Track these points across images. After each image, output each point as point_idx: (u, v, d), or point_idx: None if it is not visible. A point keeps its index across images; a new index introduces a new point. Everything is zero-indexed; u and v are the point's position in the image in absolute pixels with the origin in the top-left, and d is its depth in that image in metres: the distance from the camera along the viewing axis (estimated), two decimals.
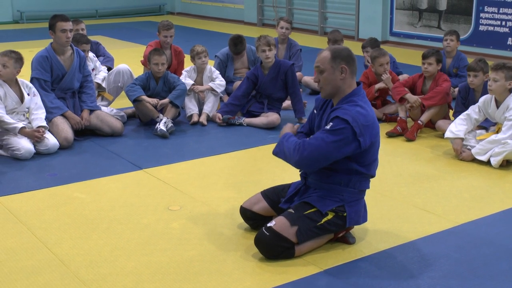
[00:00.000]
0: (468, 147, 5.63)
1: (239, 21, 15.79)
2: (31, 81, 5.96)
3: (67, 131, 5.89)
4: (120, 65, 6.92)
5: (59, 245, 3.98)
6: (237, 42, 7.47)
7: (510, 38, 10.67)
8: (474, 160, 5.53)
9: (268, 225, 3.77)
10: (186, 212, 4.49)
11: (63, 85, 6.12)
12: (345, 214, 3.85)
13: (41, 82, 5.99)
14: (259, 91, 6.71)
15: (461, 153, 5.59)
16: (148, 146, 5.99)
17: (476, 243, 4.01)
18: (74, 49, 6.20)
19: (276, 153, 3.98)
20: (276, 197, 4.12)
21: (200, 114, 6.78)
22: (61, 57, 6.08)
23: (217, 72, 7.08)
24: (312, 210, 3.80)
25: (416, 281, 3.54)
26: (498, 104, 5.52)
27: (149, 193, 4.85)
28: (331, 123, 3.67)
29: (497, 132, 5.58)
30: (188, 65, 7.47)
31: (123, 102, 7.26)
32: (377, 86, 6.82)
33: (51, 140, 5.69)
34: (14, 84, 5.70)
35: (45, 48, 6.13)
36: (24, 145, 5.53)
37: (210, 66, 7.08)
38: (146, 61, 7.36)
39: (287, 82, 6.63)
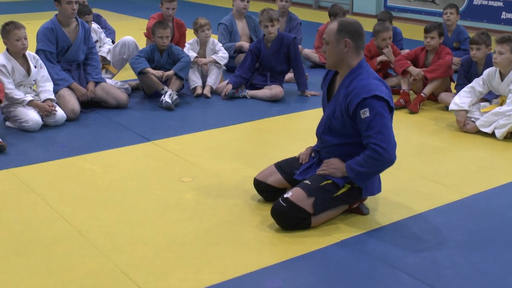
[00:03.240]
0: (472, 119, 5.69)
1: None
2: (37, 52, 5.93)
3: (74, 103, 5.88)
4: (125, 37, 6.89)
5: (75, 215, 4.01)
6: None
7: (504, 12, 10.72)
8: (478, 132, 5.59)
9: (285, 196, 3.81)
10: (198, 183, 4.53)
11: (69, 57, 6.10)
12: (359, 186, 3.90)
13: (46, 53, 5.96)
14: (262, 63, 6.72)
15: (465, 125, 5.65)
16: (154, 118, 6.01)
17: (487, 214, 4.08)
18: (79, 21, 6.17)
19: (364, 181, 3.84)
20: (289, 169, 4.16)
21: (203, 87, 6.78)
22: (66, 29, 6.06)
23: (220, 44, 7.07)
24: (328, 181, 3.85)
25: (433, 252, 3.59)
26: (502, 76, 5.56)
27: (159, 164, 4.88)
28: (366, 109, 3.66)
29: (501, 104, 5.63)
30: (190, 38, 7.46)
31: (127, 74, 7.25)
32: (379, 58, 6.86)
33: (58, 112, 5.69)
34: (22, 57, 5.67)
35: (50, 20, 6.10)
36: (32, 116, 5.53)
37: (213, 38, 7.08)
38: (150, 34, 7.34)
39: (290, 55, 6.64)
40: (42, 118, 5.62)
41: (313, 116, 6.06)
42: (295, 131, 5.72)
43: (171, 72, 6.41)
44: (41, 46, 5.96)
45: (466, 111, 5.66)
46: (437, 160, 5.04)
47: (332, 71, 4.03)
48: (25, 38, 5.60)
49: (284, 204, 3.78)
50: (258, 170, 4.59)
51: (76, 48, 6.10)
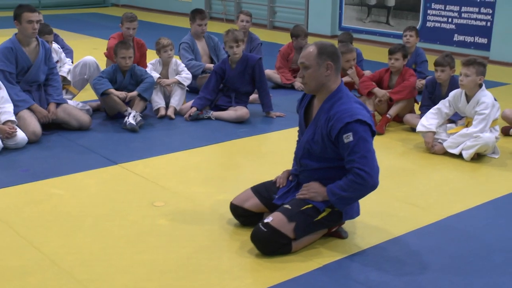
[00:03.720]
0: (439, 140, 5.74)
1: (187, 14, 15.56)
2: None
3: (35, 125, 5.70)
4: (86, 57, 6.73)
5: (47, 243, 3.84)
6: (200, 10, 7.65)
7: (456, 34, 10.93)
8: (445, 153, 5.63)
9: (265, 221, 3.74)
10: (171, 208, 4.41)
11: (29, 78, 5.92)
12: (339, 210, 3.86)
13: (6, 74, 5.77)
14: (227, 85, 6.65)
15: (433, 146, 5.69)
16: (119, 140, 5.86)
17: (465, 236, 4.09)
18: (39, 40, 5.99)
19: (345, 205, 3.80)
20: (266, 193, 4.09)
21: (167, 108, 6.68)
22: (26, 48, 5.88)
23: (183, 65, 6.99)
24: (309, 206, 3.79)
25: (417, 276, 3.57)
26: (468, 98, 5.63)
27: (129, 188, 4.75)
28: (349, 133, 3.63)
29: (467, 125, 5.70)
30: (150, 57, 7.35)
31: (86, 95, 7.09)
32: (343, 80, 6.84)
33: (19, 135, 5.50)
34: None
35: (9, 39, 5.91)
36: None
37: (176, 59, 6.99)
38: (111, 53, 7.22)
39: (255, 76, 6.60)
40: (2, 141, 5.41)
41: (281, 138, 6.06)
42: (264, 153, 5.67)
43: (134, 93, 6.29)
44: (0, 66, 5.76)
45: (434, 133, 5.71)
46: (409, 181, 5.05)
47: (308, 95, 3.98)
48: None
49: (265, 229, 3.71)
50: (231, 194, 4.52)
51: (36, 68, 5.92)
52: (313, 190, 3.83)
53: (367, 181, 3.66)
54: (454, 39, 10.92)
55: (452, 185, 4.98)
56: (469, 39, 10.74)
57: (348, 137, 3.65)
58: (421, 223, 4.26)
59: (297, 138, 4.23)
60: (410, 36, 7.81)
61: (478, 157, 5.53)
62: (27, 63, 5.88)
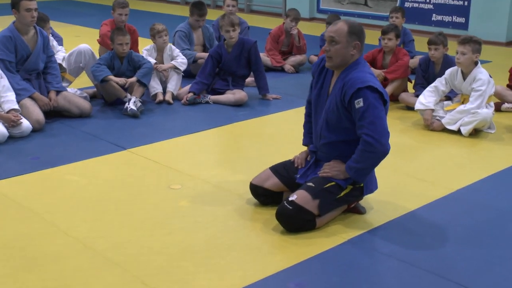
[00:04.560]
0: (437, 117, 5.89)
1: (169, 1, 15.57)
2: None
3: (38, 113, 5.70)
4: (81, 45, 6.72)
5: (74, 228, 3.89)
6: (200, 3, 7.57)
7: (434, 14, 11.12)
8: (444, 129, 5.79)
9: (290, 199, 3.84)
10: (189, 190, 4.49)
11: (28, 66, 5.91)
12: (362, 185, 3.98)
13: (5, 63, 5.75)
14: (223, 68, 6.72)
15: (431, 124, 5.84)
16: (122, 126, 5.90)
17: (478, 207, 4.25)
18: (37, 28, 5.98)
19: (364, 176, 3.90)
20: (285, 172, 4.19)
21: (164, 93, 6.72)
22: (24, 37, 5.86)
23: (177, 50, 7.03)
24: (332, 183, 3.90)
25: (439, 247, 3.71)
26: (464, 76, 5.79)
27: (143, 172, 4.81)
28: (360, 99, 3.74)
29: (463, 102, 5.86)
30: (142, 44, 7.37)
31: (81, 82, 7.08)
32: None
33: (24, 123, 5.50)
34: None
35: (7, 28, 5.88)
36: None
37: (170, 44, 7.02)
38: (104, 40, 7.22)
39: (251, 60, 6.68)
40: (7, 129, 5.41)
41: (281, 119, 6.16)
42: (268, 135, 5.76)
43: (133, 78, 6.32)
44: (0, 55, 5.73)
45: (432, 110, 5.86)
46: (414, 157, 5.20)
47: (330, 71, 4.05)
48: None
49: (290, 207, 3.81)
50: (244, 175, 4.64)
51: (35, 56, 5.91)
52: (335, 168, 3.94)
53: (375, 147, 3.76)
54: (433, 18, 11.11)
55: (456, 160, 5.15)
56: (447, 18, 10.95)
57: (359, 103, 3.76)
58: (433, 196, 4.40)
59: (305, 111, 4.31)
60: (396, 18, 7.94)
61: (475, 133, 5.70)
62: (26, 51, 5.86)
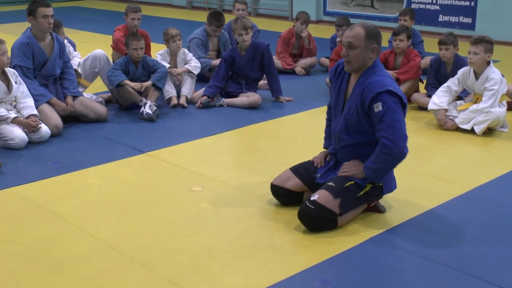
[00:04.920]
0: (450, 117, 5.95)
1: (167, 4, 15.65)
2: (13, 68, 5.78)
3: (56, 118, 5.78)
4: (96, 51, 6.80)
5: (99, 231, 3.96)
6: (218, 14, 7.59)
7: (441, 15, 11.18)
8: (457, 129, 5.85)
9: (312, 198, 3.90)
10: (210, 192, 4.55)
11: (45, 72, 5.99)
12: (381, 184, 4.04)
13: (23, 69, 5.83)
14: (236, 72, 6.79)
15: (445, 123, 5.90)
16: (139, 130, 5.97)
17: (495, 205, 4.30)
18: (53, 35, 6.06)
19: (381, 177, 3.97)
20: (306, 172, 4.25)
21: (178, 97, 6.79)
22: (41, 43, 5.94)
23: (191, 54, 7.10)
24: (351, 182, 3.97)
25: (460, 244, 3.77)
26: (477, 75, 5.84)
27: (163, 175, 4.87)
28: (379, 103, 3.81)
29: (475, 102, 5.92)
30: (154, 49, 7.44)
31: (96, 87, 7.15)
32: None
33: (43, 128, 5.58)
34: (1, 73, 5.53)
35: (24, 35, 5.97)
36: (18, 134, 5.40)
37: (183, 48, 7.09)
38: (118, 45, 7.30)
39: (264, 63, 6.75)
40: (27, 135, 5.49)
41: (296, 121, 6.22)
42: (285, 136, 5.81)
43: (149, 83, 6.39)
44: (18, 61, 5.82)
45: (446, 110, 5.92)
46: (429, 157, 5.25)
47: (347, 73, 4.13)
48: (3, 53, 5.46)
49: (312, 207, 3.87)
50: (263, 177, 4.71)
51: (52, 62, 5.99)
52: (354, 168, 4.00)
53: (393, 150, 3.83)
54: (439, 19, 11.17)
55: (471, 158, 5.20)
56: (454, 19, 11.00)
57: (378, 107, 3.84)
58: (450, 195, 4.46)
59: (326, 116, 4.41)
60: (405, 20, 7.97)
61: (489, 132, 5.75)
62: (43, 57, 5.94)
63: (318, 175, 4.17)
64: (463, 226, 4.01)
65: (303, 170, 4.27)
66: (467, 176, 4.82)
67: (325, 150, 4.35)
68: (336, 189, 3.93)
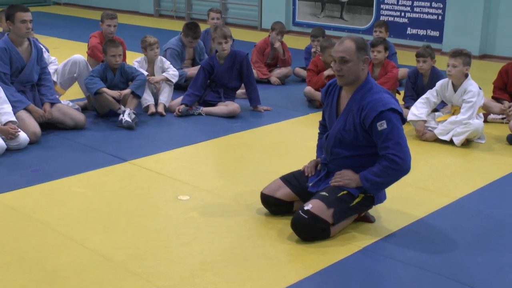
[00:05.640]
0: (429, 128, 6.02)
1: (134, 12, 15.53)
2: None
3: (34, 125, 5.67)
4: (75, 55, 6.67)
5: (89, 240, 3.88)
6: (195, 26, 7.54)
7: (409, 28, 11.34)
8: (436, 140, 5.92)
9: (305, 208, 3.90)
10: (197, 201, 4.51)
11: (23, 78, 5.87)
12: (372, 195, 4.06)
13: (0, 75, 5.71)
14: (215, 80, 6.76)
15: (423, 134, 5.97)
16: (119, 137, 5.89)
17: (480, 215, 4.37)
18: (30, 40, 5.95)
19: (379, 190, 4.02)
20: (296, 182, 4.25)
21: (155, 105, 6.72)
22: (19, 48, 5.82)
23: (168, 62, 7.04)
24: (344, 192, 3.97)
25: (452, 253, 3.81)
26: (455, 88, 5.93)
27: (149, 184, 4.81)
28: (383, 121, 3.84)
29: (453, 113, 6.00)
30: (130, 56, 7.37)
31: (71, 93, 7.03)
32: (326, 73, 7.05)
33: (21, 135, 5.46)
34: None
35: (1, 39, 5.84)
36: None
37: (161, 56, 7.03)
38: (94, 52, 7.22)
39: (242, 72, 6.74)
40: (4, 142, 5.37)
41: (276, 130, 6.24)
42: (266, 146, 5.80)
43: (128, 90, 6.32)
44: None
45: (424, 121, 5.99)
46: (412, 167, 5.24)
47: (336, 86, 4.15)
48: None
49: (306, 216, 3.87)
50: (249, 186, 4.70)
51: (30, 68, 5.88)
52: (346, 177, 4.01)
53: (401, 165, 3.88)
54: (407, 32, 11.32)
55: (452, 169, 5.27)
56: (421, 32, 11.16)
57: (382, 125, 3.86)
58: (437, 205, 4.51)
59: (318, 130, 4.43)
60: (380, 32, 8.08)
61: (467, 143, 5.84)
62: (21, 63, 5.83)
63: (310, 184, 4.17)
64: (453, 235, 4.05)
65: (293, 180, 4.27)
66: (450, 186, 4.88)
67: (315, 159, 4.35)
68: (329, 198, 3.93)
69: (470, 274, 3.56)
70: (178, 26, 12.66)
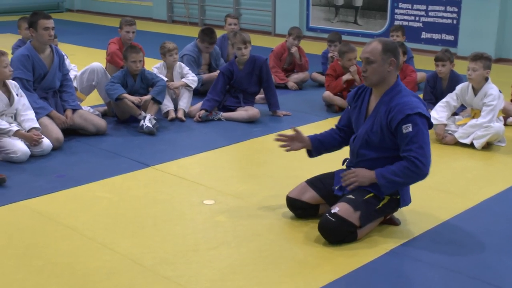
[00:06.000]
0: (449, 131, 6.03)
1: (147, 18, 15.61)
2: (13, 80, 5.71)
3: (57, 132, 5.72)
4: (93, 64, 6.73)
5: (118, 244, 3.91)
6: (211, 31, 7.57)
7: (423, 32, 11.35)
8: (456, 143, 5.93)
9: (333, 211, 3.92)
10: (223, 205, 4.53)
11: (45, 85, 5.92)
12: (398, 197, 4.08)
13: (23, 82, 5.76)
14: (234, 85, 6.79)
15: (444, 138, 5.98)
16: (141, 143, 5.93)
17: (506, 218, 4.37)
18: (52, 47, 6.01)
19: (392, 189, 4.00)
20: (322, 185, 4.27)
21: (175, 110, 6.76)
22: (41, 55, 5.88)
23: (187, 68, 7.08)
24: (370, 195, 3.99)
25: (480, 255, 3.82)
26: (475, 91, 5.94)
27: (173, 189, 4.84)
28: (409, 124, 3.86)
29: (473, 117, 6.01)
30: (148, 63, 7.41)
31: (91, 100, 7.08)
32: (345, 77, 7.08)
33: (45, 142, 5.50)
34: (2, 85, 5.46)
35: (24, 47, 5.91)
36: (20, 147, 5.32)
37: (180, 62, 7.08)
38: (113, 58, 7.27)
39: (262, 77, 6.77)
40: (28, 148, 5.41)
41: None
42: None
43: (148, 96, 6.36)
44: (18, 74, 5.74)
45: (445, 125, 6.00)
46: (433, 171, 5.19)
47: (367, 89, 4.18)
48: (6, 66, 5.40)
49: (333, 219, 3.89)
50: (273, 190, 4.72)
51: (52, 75, 5.94)
52: (361, 175, 4.03)
53: (421, 169, 3.90)
54: (422, 36, 11.33)
55: (474, 172, 5.28)
56: (436, 36, 11.17)
57: (407, 128, 3.88)
58: (461, 208, 4.51)
59: (339, 132, 4.43)
60: (397, 36, 8.10)
61: (487, 146, 5.84)
62: (43, 70, 5.88)
63: (336, 187, 4.19)
64: (479, 237, 4.06)
65: (319, 183, 4.29)
66: (473, 189, 4.88)
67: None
68: (356, 201, 3.95)
69: (499, 276, 3.57)
70: (191, 32, 12.79)
